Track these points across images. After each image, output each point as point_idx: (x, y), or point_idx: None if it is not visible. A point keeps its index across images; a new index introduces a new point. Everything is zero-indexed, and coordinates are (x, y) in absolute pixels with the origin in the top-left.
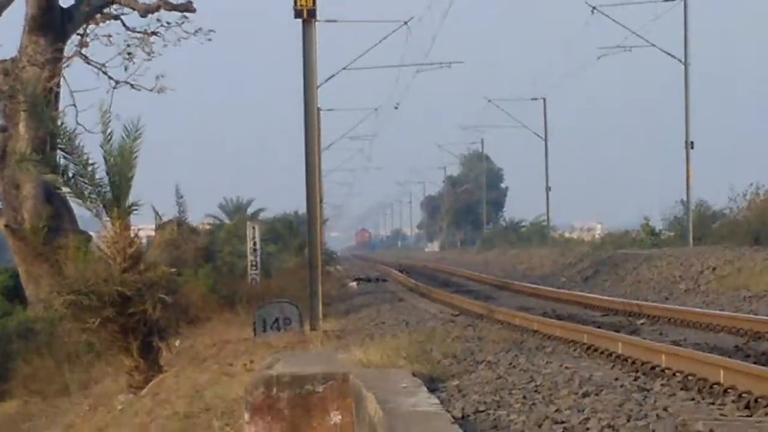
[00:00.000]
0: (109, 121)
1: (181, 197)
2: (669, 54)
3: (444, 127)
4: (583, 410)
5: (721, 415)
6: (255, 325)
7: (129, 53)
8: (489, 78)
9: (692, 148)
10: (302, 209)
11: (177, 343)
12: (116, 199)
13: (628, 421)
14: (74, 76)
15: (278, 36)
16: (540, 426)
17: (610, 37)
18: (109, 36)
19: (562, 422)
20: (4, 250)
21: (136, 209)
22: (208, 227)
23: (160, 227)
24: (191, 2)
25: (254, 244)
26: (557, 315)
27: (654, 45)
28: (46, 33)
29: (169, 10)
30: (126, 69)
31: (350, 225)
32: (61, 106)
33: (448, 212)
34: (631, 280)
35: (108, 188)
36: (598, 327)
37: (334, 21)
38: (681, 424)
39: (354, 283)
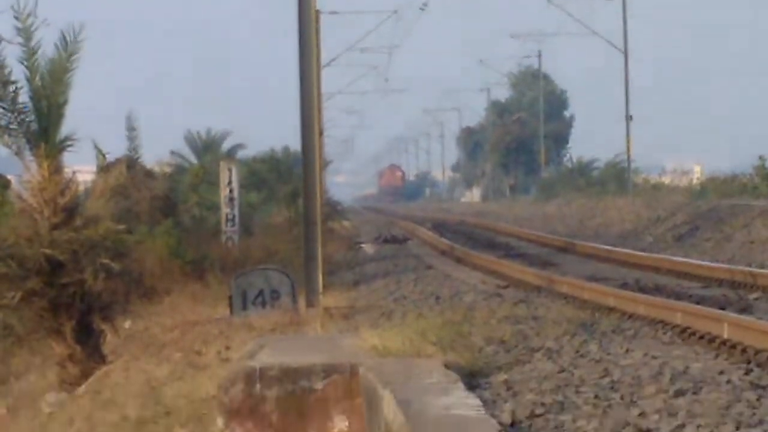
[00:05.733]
0: (33, 28)
1: (134, 129)
2: None
3: (487, 35)
4: (676, 414)
5: None
6: (231, 301)
7: None
8: None
9: None
10: (295, 145)
11: (126, 324)
12: (44, 131)
13: (737, 429)
14: None
15: None
16: None
17: None
18: None
19: (648, 431)
20: None
21: (70, 145)
22: (168, 170)
23: (103, 169)
24: None
25: (230, 191)
26: (641, 287)
27: None
28: None
29: None
30: None
31: (360, 167)
32: None
33: (494, 150)
34: (741, 240)
35: (33, 117)
36: (697, 303)
37: None
38: None
39: (368, 245)
